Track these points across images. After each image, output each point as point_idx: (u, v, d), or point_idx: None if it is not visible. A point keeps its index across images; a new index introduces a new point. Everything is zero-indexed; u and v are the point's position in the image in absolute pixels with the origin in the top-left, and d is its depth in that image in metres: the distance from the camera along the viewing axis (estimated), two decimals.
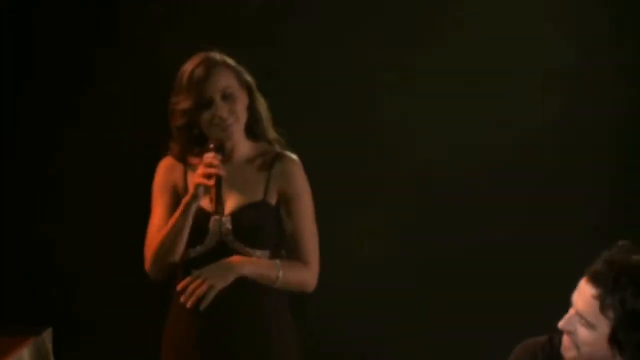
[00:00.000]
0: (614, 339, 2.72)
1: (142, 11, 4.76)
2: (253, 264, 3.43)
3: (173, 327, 3.53)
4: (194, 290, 3.39)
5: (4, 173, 4.89)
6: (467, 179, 4.69)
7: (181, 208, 3.40)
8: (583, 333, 2.74)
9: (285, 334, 3.51)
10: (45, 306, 4.94)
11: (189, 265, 3.45)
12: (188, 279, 3.41)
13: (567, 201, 4.65)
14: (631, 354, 2.73)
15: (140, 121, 4.63)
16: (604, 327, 2.72)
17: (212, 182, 3.35)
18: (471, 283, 4.69)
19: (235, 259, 3.42)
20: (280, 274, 3.45)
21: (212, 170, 3.35)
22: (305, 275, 3.51)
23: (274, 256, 3.49)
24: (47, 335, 4.94)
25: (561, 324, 2.78)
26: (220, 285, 3.39)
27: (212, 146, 3.41)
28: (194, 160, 3.50)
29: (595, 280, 2.73)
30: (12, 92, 4.82)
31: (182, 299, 3.40)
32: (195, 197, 3.38)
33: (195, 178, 3.38)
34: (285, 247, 3.54)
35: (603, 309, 2.71)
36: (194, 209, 3.40)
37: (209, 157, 3.38)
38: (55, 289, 4.93)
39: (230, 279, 3.40)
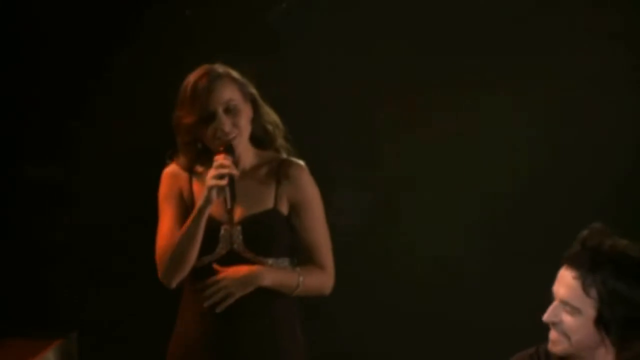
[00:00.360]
0: (600, 320, 2.71)
1: (162, 17, 4.78)
2: (274, 274, 3.43)
3: (182, 329, 3.55)
4: (212, 293, 3.41)
5: (30, 186, 4.96)
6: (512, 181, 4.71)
7: (194, 213, 3.38)
8: (569, 321, 2.74)
9: (292, 337, 3.53)
10: (71, 310, 4.99)
11: (199, 275, 3.45)
12: (208, 280, 3.42)
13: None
14: (617, 332, 2.72)
15: (160, 126, 4.66)
16: (589, 309, 2.71)
17: (225, 182, 3.34)
18: (495, 289, 4.70)
19: (256, 268, 3.42)
20: (301, 280, 3.46)
21: (225, 171, 3.34)
22: (324, 279, 3.52)
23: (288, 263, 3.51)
24: (73, 339, 5.01)
25: (545, 317, 2.77)
26: (239, 294, 3.41)
27: (221, 148, 3.40)
28: (198, 169, 3.49)
29: (573, 264, 2.74)
30: (27, 96, 4.87)
31: (201, 297, 3.41)
32: (208, 200, 3.36)
33: (207, 181, 3.35)
34: (297, 253, 3.53)
35: (585, 288, 2.70)
36: (207, 213, 3.37)
37: (220, 158, 3.37)
38: (81, 294, 4.98)
39: (250, 289, 3.41)
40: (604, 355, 2.77)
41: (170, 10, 4.74)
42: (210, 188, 3.34)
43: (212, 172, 3.35)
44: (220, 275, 3.41)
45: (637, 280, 2.70)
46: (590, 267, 2.71)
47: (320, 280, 3.51)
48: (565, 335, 2.75)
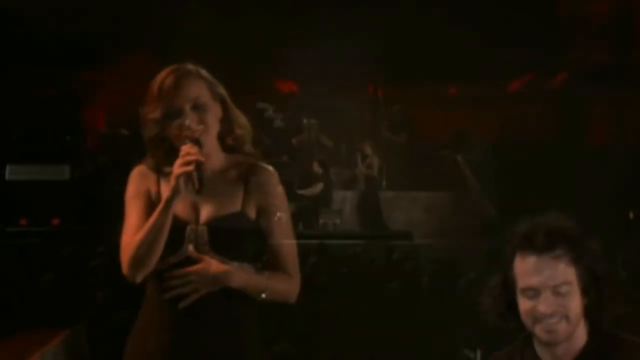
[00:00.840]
0: (586, 287, 2.88)
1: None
2: (243, 276, 3.39)
3: (142, 327, 3.50)
4: (178, 286, 3.37)
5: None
6: None
7: (162, 204, 3.34)
8: (566, 300, 2.87)
9: (256, 340, 3.49)
10: (81, 302, 5.10)
11: (162, 275, 3.40)
12: (177, 272, 3.37)
13: None
14: (596, 295, 2.88)
15: None
16: (575, 279, 2.87)
17: (192, 168, 3.30)
18: None
19: (226, 267, 3.38)
20: (268, 284, 3.43)
21: (191, 157, 3.30)
22: (290, 287, 3.50)
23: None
24: (82, 329, 5.11)
25: (548, 309, 2.87)
26: (204, 290, 3.37)
27: (187, 140, 3.36)
28: (166, 169, 3.44)
29: (550, 247, 2.87)
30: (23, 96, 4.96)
31: (165, 286, 3.37)
32: (176, 190, 3.32)
33: (175, 170, 3.31)
34: (261, 261, 3.49)
35: (569, 263, 2.87)
36: (174, 204, 3.33)
37: (186, 147, 3.34)
38: (90, 287, 5.09)
39: (216, 287, 3.37)
40: (581, 331, 2.92)
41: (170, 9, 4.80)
42: (178, 176, 3.31)
43: (178, 162, 3.32)
44: (189, 269, 3.37)
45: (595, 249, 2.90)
46: (569, 247, 2.87)
47: (287, 286, 3.48)
48: (566, 316, 2.87)
